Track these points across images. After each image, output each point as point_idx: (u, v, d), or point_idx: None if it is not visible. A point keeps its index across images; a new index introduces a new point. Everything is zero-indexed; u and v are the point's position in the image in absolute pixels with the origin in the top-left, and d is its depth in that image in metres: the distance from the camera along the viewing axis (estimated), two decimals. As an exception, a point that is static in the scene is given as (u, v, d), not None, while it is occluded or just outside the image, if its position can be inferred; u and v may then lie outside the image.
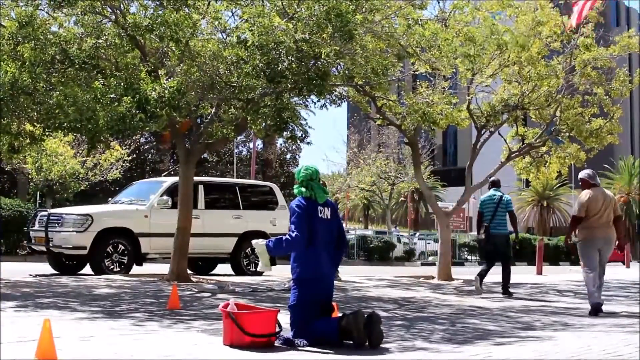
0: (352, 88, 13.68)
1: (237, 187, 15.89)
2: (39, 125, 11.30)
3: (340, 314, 6.33)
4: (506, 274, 11.74)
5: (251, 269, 14.97)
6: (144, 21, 9.93)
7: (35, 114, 10.80)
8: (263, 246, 6.12)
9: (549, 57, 15.35)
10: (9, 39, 10.16)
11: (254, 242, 6.28)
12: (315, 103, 12.25)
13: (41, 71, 10.14)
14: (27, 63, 10.05)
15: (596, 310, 8.74)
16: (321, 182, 6.53)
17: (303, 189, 6.19)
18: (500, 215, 11.76)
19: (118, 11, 10.91)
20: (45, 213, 14.08)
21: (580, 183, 9.36)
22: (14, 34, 10.11)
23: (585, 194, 9.04)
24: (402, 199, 54.55)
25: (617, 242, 9.04)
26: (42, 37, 10.13)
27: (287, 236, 6.06)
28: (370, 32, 11.01)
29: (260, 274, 14.72)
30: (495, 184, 12.11)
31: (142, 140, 37.71)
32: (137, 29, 9.99)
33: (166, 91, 9.70)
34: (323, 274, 6.15)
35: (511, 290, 11.78)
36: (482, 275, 11.72)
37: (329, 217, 6.21)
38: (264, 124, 11.11)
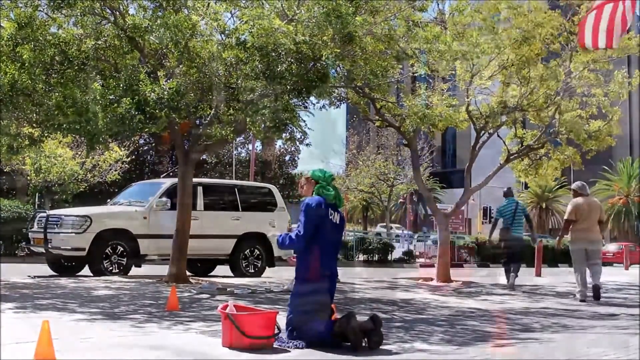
0: (352, 90, 13.68)
1: (236, 189, 15.88)
2: (37, 127, 11.29)
3: (339, 316, 6.34)
4: (516, 271, 13.50)
5: (250, 271, 14.97)
6: (144, 22, 9.92)
7: (34, 115, 10.79)
8: (275, 239, 6.51)
9: (547, 60, 15.35)
10: (8, 40, 10.15)
11: (269, 234, 6.62)
12: (314, 105, 12.26)
13: (40, 72, 10.13)
14: (26, 64, 10.04)
15: (583, 300, 10.80)
16: None
17: (330, 192, 6.31)
18: (517, 220, 13.53)
19: (117, 12, 10.91)
20: (44, 214, 14.07)
21: (572, 192, 11.54)
22: (13, 35, 10.11)
23: (575, 201, 11.11)
24: (401, 200, 54.54)
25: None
26: (41, 38, 10.12)
27: (293, 234, 6.21)
28: (369, 33, 11.02)
29: (259, 275, 14.72)
30: (509, 194, 13.80)
31: (141, 141, 37.68)
32: (136, 31, 9.98)
33: (165, 92, 9.70)
34: (327, 275, 6.20)
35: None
36: (511, 274, 13.44)
37: (337, 221, 6.32)
38: (263, 125, 11.12)
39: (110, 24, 10.94)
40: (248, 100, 10.43)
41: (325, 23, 9.60)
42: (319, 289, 6.15)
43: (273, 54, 9.56)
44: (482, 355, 5.96)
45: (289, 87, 10.15)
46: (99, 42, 10.53)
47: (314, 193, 6.34)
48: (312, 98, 11.41)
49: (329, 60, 9.88)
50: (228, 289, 10.97)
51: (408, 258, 28.92)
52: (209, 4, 10.85)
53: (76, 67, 10.36)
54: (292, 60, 9.67)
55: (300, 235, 6.14)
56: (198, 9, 10.67)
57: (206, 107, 11.98)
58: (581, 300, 10.83)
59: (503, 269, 13.97)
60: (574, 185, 11.51)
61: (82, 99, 9.92)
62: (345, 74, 11.57)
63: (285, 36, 9.48)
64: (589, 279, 11.01)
